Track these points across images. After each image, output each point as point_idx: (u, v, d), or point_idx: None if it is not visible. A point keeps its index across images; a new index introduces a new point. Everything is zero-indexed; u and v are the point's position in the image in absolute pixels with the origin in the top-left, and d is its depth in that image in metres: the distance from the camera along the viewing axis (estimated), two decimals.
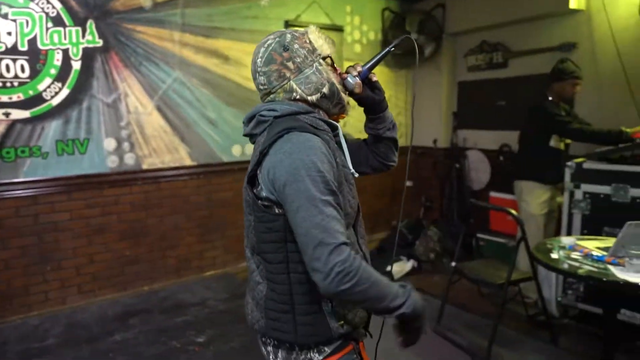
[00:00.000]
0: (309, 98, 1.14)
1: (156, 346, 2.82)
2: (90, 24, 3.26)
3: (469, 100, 4.72)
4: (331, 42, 1.20)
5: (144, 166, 3.57)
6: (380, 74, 4.75)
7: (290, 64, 1.13)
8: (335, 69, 1.20)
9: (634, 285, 1.87)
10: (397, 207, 5.06)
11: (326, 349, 1.12)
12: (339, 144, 1.19)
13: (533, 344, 2.87)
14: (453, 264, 3.10)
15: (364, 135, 1.41)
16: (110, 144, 3.42)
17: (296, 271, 1.08)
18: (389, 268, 3.99)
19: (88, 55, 3.28)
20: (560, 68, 3.18)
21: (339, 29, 4.46)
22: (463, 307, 3.38)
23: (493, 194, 4.29)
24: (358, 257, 0.98)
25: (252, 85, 4.05)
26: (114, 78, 3.41)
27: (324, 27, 4.32)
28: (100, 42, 3.32)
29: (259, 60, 1.16)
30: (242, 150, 3.99)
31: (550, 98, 3.23)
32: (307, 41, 1.15)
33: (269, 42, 1.16)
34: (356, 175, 1.19)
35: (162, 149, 3.64)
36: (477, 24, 4.35)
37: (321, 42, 1.17)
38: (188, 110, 3.73)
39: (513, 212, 2.88)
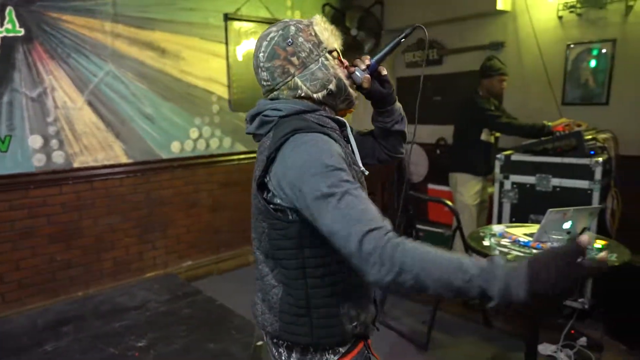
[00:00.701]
0: (315, 95, 1.08)
1: (92, 354, 2.69)
2: (10, 11, 3.02)
3: (407, 95, 4.85)
4: (338, 34, 1.14)
5: (75, 164, 3.36)
6: None
7: (294, 59, 1.06)
8: (342, 63, 1.14)
9: None
10: None
11: (340, 349, 1.11)
12: (347, 140, 1.14)
13: (468, 326, 3.04)
14: None
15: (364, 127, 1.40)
16: (35, 141, 3.19)
17: (313, 276, 1.05)
18: None
19: (8, 45, 3.03)
20: (488, 65, 3.37)
21: None
22: (405, 295, 3.51)
23: (431, 186, 4.47)
24: (392, 241, 0.86)
25: (191, 79, 3.92)
26: (39, 70, 3.18)
27: (263, 21, 4.28)
28: (21, 32, 3.08)
29: (261, 55, 1.09)
30: (182, 146, 3.87)
31: (480, 93, 3.42)
32: (313, 33, 1.08)
33: (271, 35, 1.09)
34: (366, 173, 1.13)
35: (95, 146, 3.45)
36: (414, 22, 4.45)
37: (327, 35, 1.10)
38: (123, 105, 3.56)
39: (448, 202, 3.02)
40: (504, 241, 2.36)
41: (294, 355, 1.12)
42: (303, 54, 1.06)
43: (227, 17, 4.01)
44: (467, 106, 3.47)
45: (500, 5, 3.80)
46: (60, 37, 3.24)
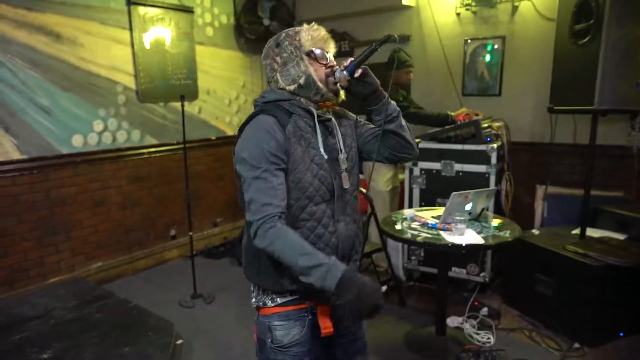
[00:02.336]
0: (288, 88, 1.34)
1: None
2: None
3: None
4: (325, 39, 1.36)
5: None
6: (235, 59, 4.70)
7: (278, 59, 1.35)
8: (322, 63, 1.34)
9: (459, 246, 2.22)
10: None
11: (278, 299, 1.36)
12: (327, 127, 1.38)
13: (385, 307, 3.21)
14: None
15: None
16: None
17: None
18: None
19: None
20: (394, 57, 3.55)
21: (188, 10, 4.25)
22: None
23: None
24: (275, 223, 1.21)
25: (92, 67, 3.65)
26: None
27: (171, 8, 4.08)
28: None
29: (263, 54, 1.41)
30: (85, 140, 3.58)
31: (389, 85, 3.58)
32: (297, 39, 1.33)
33: (271, 40, 1.38)
34: (325, 157, 1.33)
35: None
36: (326, 14, 4.56)
37: (308, 40, 1.33)
38: (11, 95, 3.20)
39: (363, 190, 3.14)
40: (414, 224, 2.52)
41: (253, 290, 1.44)
42: (285, 54, 1.34)
43: (130, 2, 3.76)
44: None
45: (405, 1, 4.00)
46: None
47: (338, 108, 1.46)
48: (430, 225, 2.46)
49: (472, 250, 2.92)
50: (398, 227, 2.51)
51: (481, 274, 3.17)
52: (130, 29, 3.80)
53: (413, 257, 3.44)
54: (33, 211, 3.32)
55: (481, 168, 3.10)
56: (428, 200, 3.32)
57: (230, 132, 4.77)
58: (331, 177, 1.33)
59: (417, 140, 3.32)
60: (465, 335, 2.77)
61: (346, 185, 1.37)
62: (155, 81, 4.00)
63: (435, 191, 3.30)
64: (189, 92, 4.27)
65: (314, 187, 1.31)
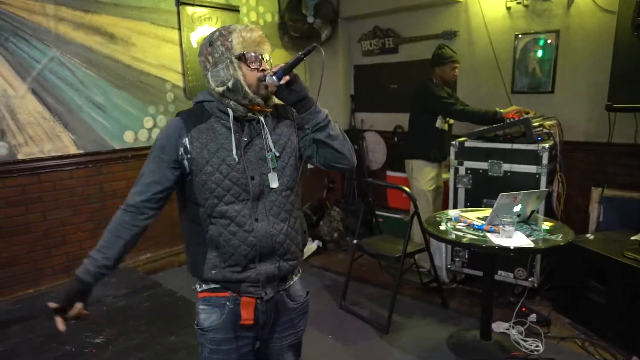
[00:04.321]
0: (216, 89, 1.33)
1: (46, 354, 2.57)
2: None
3: (365, 83, 4.92)
4: (256, 42, 1.33)
5: (20, 156, 3.17)
6: (278, 57, 4.74)
7: (210, 58, 1.33)
8: (255, 68, 1.33)
9: (506, 248, 2.14)
10: (299, 190, 5.14)
11: (203, 285, 1.44)
12: (258, 128, 1.39)
13: (427, 308, 3.15)
14: (355, 241, 3.25)
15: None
16: None
17: (189, 220, 1.41)
18: None
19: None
20: (439, 54, 3.46)
21: (234, 9, 4.33)
22: (365, 281, 3.58)
23: (390, 172, 4.56)
24: (120, 212, 1.37)
25: (143, 66, 3.81)
26: None
27: (218, 7, 4.17)
28: None
29: (199, 51, 1.39)
30: (135, 136, 3.73)
31: (434, 81, 3.50)
32: (230, 40, 1.31)
33: (206, 36, 1.37)
34: (236, 159, 1.33)
35: (41, 137, 3.26)
36: (370, 10, 4.51)
37: (237, 41, 1.31)
38: (70, 93, 3.38)
39: (406, 189, 3.10)
40: (459, 225, 2.45)
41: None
42: (217, 55, 1.32)
43: (179, 2, 3.87)
44: (421, 94, 3.55)
45: None
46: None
47: (270, 110, 1.42)
48: (476, 227, 2.39)
49: (520, 253, 2.80)
50: (442, 227, 2.45)
51: (529, 279, 3.05)
52: (179, 29, 3.92)
53: (457, 259, 3.35)
54: (88, 203, 3.50)
55: (531, 168, 2.97)
56: (473, 201, 3.22)
57: None
58: (246, 178, 1.34)
59: (462, 139, 3.26)
60: (511, 341, 2.67)
61: (273, 184, 1.38)
62: (201, 79, 4.07)
63: (481, 191, 3.19)
64: None
65: (222, 187, 1.33)
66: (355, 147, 4.74)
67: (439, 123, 3.50)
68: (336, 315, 3.09)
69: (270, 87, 1.32)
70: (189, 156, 1.33)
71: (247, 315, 1.39)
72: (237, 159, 1.33)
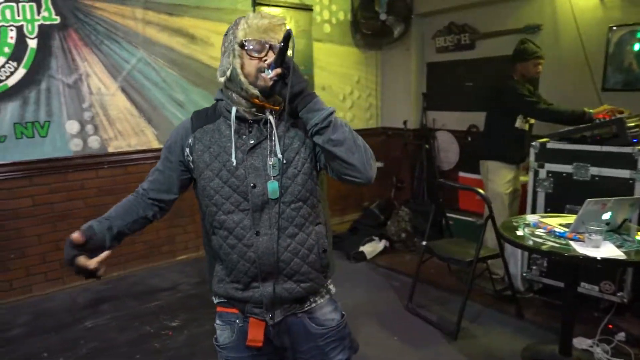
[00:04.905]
0: (220, 79, 1.25)
1: (129, 332, 2.79)
2: None
3: (437, 81, 4.77)
4: (261, 29, 1.19)
5: (110, 149, 3.45)
6: (350, 55, 4.74)
7: (222, 49, 1.26)
8: (257, 58, 1.19)
9: (593, 259, 1.97)
10: (367, 189, 5.11)
11: (215, 298, 1.37)
12: (264, 128, 1.25)
13: (500, 317, 3.00)
14: (424, 243, 3.17)
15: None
16: (72, 126, 3.28)
17: (202, 224, 1.34)
18: (361, 248, 4.05)
19: (45, 33, 3.11)
20: (522, 49, 3.25)
21: (307, 9, 4.39)
22: (433, 284, 3.48)
23: (462, 173, 4.39)
24: (132, 195, 1.36)
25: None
26: (74, 57, 3.26)
27: (292, 7, 4.24)
28: (57, 19, 3.15)
29: None
30: None
31: (515, 78, 3.31)
32: (237, 28, 1.21)
33: None
34: (234, 163, 1.21)
35: (129, 132, 3.53)
36: (445, 5, 4.37)
37: (241, 29, 1.20)
38: (154, 91, 3.62)
39: (480, 191, 2.96)
40: (539, 231, 2.30)
41: None
42: (226, 44, 1.24)
43: (255, 2, 3.99)
44: (500, 92, 3.37)
45: None
46: (94, 25, 3.30)
47: (277, 108, 1.25)
48: (557, 234, 2.22)
49: (608, 265, 2.57)
50: (519, 232, 2.31)
51: (618, 294, 2.78)
52: None
53: (534, 267, 3.15)
54: None
55: (624, 173, 2.71)
56: (554, 206, 3.00)
57: None
58: (246, 185, 1.20)
59: (544, 140, 3.05)
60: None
61: (272, 194, 1.20)
62: None
63: (563, 196, 2.96)
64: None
65: (221, 194, 1.21)
66: (427, 146, 4.67)
67: (518, 123, 3.30)
68: (402, 317, 3.04)
69: (262, 81, 1.18)
70: (191, 158, 1.26)
71: (253, 336, 1.27)
72: (234, 163, 1.21)
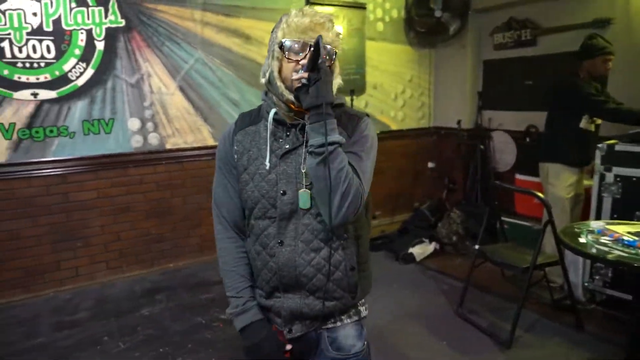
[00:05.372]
0: (261, 81, 1.21)
1: (182, 322, 2.90)
2: (113, 3, 3.27)
3: (494, 79, 4.59)
4: (301, 29, 1.10)
5: (168, 146, 3.61)
6: (403, 53, 4.67)
7: (269, 47, 1.20)
8: (295, 60, 1.11)
9: None
10: (418, 189, 5.02)
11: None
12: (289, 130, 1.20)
13: (557, 328, 2.84)
14: (476, 246, 3.06)
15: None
16: (134, 124, 3.46)
17: None
18: (410, 250, 3.98)
19: (111, 35, 3.30)
20: (590, 44, 3.05)
21: (361, 7, 4.36)
22: (485, 289, 3.36)
23: (519, 176, 4.20)
24: (216, 228, 1.31)
25: None
26: (137, 58, 3.42)
27: (345, 5, 4.23)
28: (122, 22, 3.33)
29: None
30: None
31: (581, 76, 3.11)
32: (278, 28, 1.16)
33: None
34: (267, 166, 1.17)
35: (185, 129, 3.67)
36: (505, 0, 4.19)
37: (281, 29, 1.13)
38: (210, 90, 3.74)
39: (540, 194, 2.82)
40: (604, 239, 2.15)
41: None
42: (270, 44, 1.18)
43: (309, 2, 4.02)
44: (565, 90, 3.18)
45: None
46: (156, 27, 3.46)
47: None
48: (626, 242, 2.07)
49: None
50: (582, 240, 2.18)
51: None
52: None
53: (597, 277, 2.95)
54: None
55: None
56: (622, 213, 2.80)
57: (395, 126, 4.77)
58: (276, 191, 1.16)
59: (611, 141, 2.85)
60: None
61: (303, 204, 1.14)
62: None
63: (633, 203, 2.76)
64: (357, 87, 4.40)
65: (252, 199, 1.19)
66: (482, 146, 4.51)
67: (583, 123, 3.10)
68: (452, 322, 2.95)
69: (295, 84, 1.10)
70: (235, 161, 1.23)
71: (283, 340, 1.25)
72: (267, 167, 1.17)
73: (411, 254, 3.96)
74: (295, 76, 1.08)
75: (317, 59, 1.04)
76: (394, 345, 2.69)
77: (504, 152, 4.49)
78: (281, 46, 1.12)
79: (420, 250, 4.02)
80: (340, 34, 1.14)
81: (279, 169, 1.17)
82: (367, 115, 1.28)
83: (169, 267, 3.68)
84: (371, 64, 4.53)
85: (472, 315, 2.99)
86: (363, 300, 1.31)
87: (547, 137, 3.42)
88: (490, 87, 4.64)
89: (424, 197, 4.84)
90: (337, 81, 1.18)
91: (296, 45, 1.11)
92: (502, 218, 3.63)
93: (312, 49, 1.06)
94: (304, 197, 1.14)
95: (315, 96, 1.05)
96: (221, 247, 1.29)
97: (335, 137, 1.07)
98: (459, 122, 4.73)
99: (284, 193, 1.15)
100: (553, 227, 2.69)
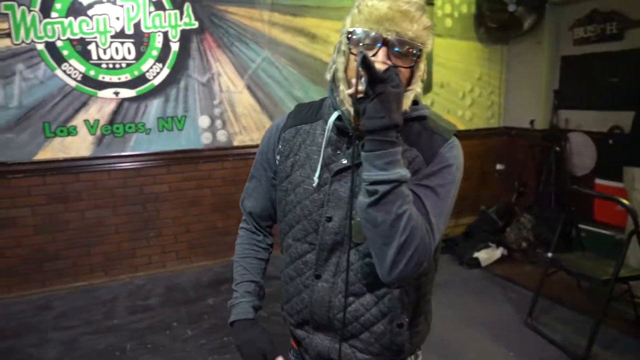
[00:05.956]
0: (326, 77, 0.98)
1: None
2: (187, 6, 3.43)
3: (573, 77, 4.28)
4: (376, 18, 0.85)
5: (235, 143, 3.73)
6: (472, 50, 4.49)
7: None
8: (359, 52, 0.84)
9: None
10: (485, 191, 4.81)
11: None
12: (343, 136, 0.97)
13: None
14: (549, 254, 2.87)
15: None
16: (204, 121, 3.61)
17: None
18: (475, 254, 3.83)
19: (185, 37, 3.46)
20: None
21: (429, 3, 4.24)
22: (558, 301, 3.15)
23: (599, 180, 3.89)
24: (239, 234, 1.22)
25: None
26: (208, 58, 3.57)
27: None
28: (196, 24, 3.48)
29: None
30: None
31: None
32: (349, 15, 0.95)
33: None
34: (314, 182, 0.95)
35: (252, 127, 3.77)
36: None
37: (354, 13, 0.90)
38: (276, 89, 3.81)
39: (624, 201, 2.59)
40: None
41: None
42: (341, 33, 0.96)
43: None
44: None
45: None
46: (226, 28, 3.58)
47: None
48: None
49: None
50: None
51: None
52: None
53: None
54: None
55: None
56: None
57: (462, 126, 4.60)
58: (320, 215, 0.94)
59: None
60: None
61: (356, 237, 0.91)
62: None
63: None
64: (423, 85, 4.28)
65: (291, 215, 1.00)
66: (557, 148, 4.22)
67: None
68: (520, 332, 2.80)
69: (351, 90, 0.84)
70: (277, 164, 1.04)
71: None
72: (315, 182, 0.95)
73: (476, 258, 3.80)
74: (348, 90, 0.85)
75: (371, 72, 0.78)
76: (458, 354, 2.60)
77: (582, 155, 4.17)
78: (349, 37, 0.88)
79: (487, 255, 3.85)
80: (430, 26, 0.88)
81: (329, 188, 0.94)
82: (456, 135, 0.98)
83: (232, 259, 3.80)
84: (438, 62, 4.40)
85: (543, 327, 2.82)
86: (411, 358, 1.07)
87: (634, 139, 3.14)
88: (568, 85, 4.33)
89: (491, 200, 4.63)
90: (415, 89, 0.91)
91: (366, 39, 0.85)
92: (579, 225, 3.39)
93: (360, 67, 0.78)
94: (356, 228, 0.90)
95: (370, 116, 0.79)
96: (238, 236, 1.23)
97: (396, 172, 0.80)
98: (531, 122, 4.46)
99: (330, 219, 0.94)
100: (638, 236, 2.47)
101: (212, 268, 3.64)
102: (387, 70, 0.80)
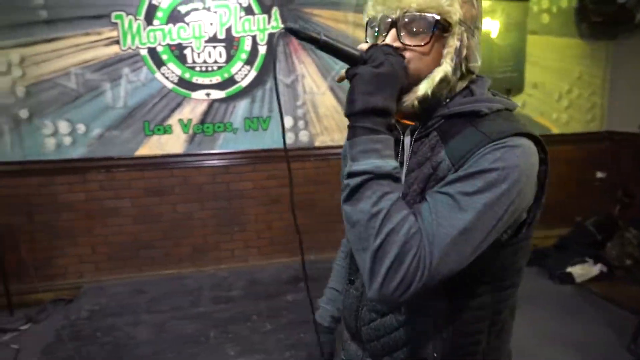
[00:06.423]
0: None
1: (303, 312, 3.00)
2: (275, 11, 3.54)
3: None
4: (375, 4, 0.80)
5: (316, 143, 3.78)
6: (571, 48, 4.15)
7: None
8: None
9: None
10: (582, 201, 4.41)
11: None
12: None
13: None
14: None
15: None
16: (287, 121, 3.71)
17: None
18: (569, 269, 3.53)
19: (272, 40, 3.58)
20: None
21: None
22: None
23: None
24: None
25: None
26: (293, 60, 3.66)
27: None
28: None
29: None
30: None
31: None
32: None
33: None
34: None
35: (333, 128, 3.81)
36: None
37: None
38: None
39: None
40: None
41: None
42: None
43: None
44: None
45: None
46: (312, 30, 3.63)
47: (412, 123, 0.83)
48: None
49: None
50: None
51: None
52: None
53: None
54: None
55: None
56: None
57: (556, 129, 4.27)
58: None
59: None
60: None
61: None
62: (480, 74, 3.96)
63: None
64: (514, 86, 4.05)
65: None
66: None
67: None
68: (621, 359, 2.52)
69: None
70: None
71: None
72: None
73: (570, 273, 3.50)
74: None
75: (337, 52, 0.75)
76: None
77: None
78: (366, 28, 0.82)
79: (582, 271, 3.53)
80: None
81: None
82: (524, 135, 0.73)
83: (310, 258, 3.86)
84: (531, 61, 4.11)
85: None
86: None
87: None
88: None
89: (589, 211, 4.24)
90: (442, 70, 0.77)
91: (375, 25, 0.79)
92: None
93: (328, 53, 0.76)
94: None
95: (346, 102, 0.75)
96: (342, 240, 1.17)
97: (368, 162, 0.70)
98: None
99: None
100: None
101: (292, 265, 3.72)
102: (368, 49, 0.74)
